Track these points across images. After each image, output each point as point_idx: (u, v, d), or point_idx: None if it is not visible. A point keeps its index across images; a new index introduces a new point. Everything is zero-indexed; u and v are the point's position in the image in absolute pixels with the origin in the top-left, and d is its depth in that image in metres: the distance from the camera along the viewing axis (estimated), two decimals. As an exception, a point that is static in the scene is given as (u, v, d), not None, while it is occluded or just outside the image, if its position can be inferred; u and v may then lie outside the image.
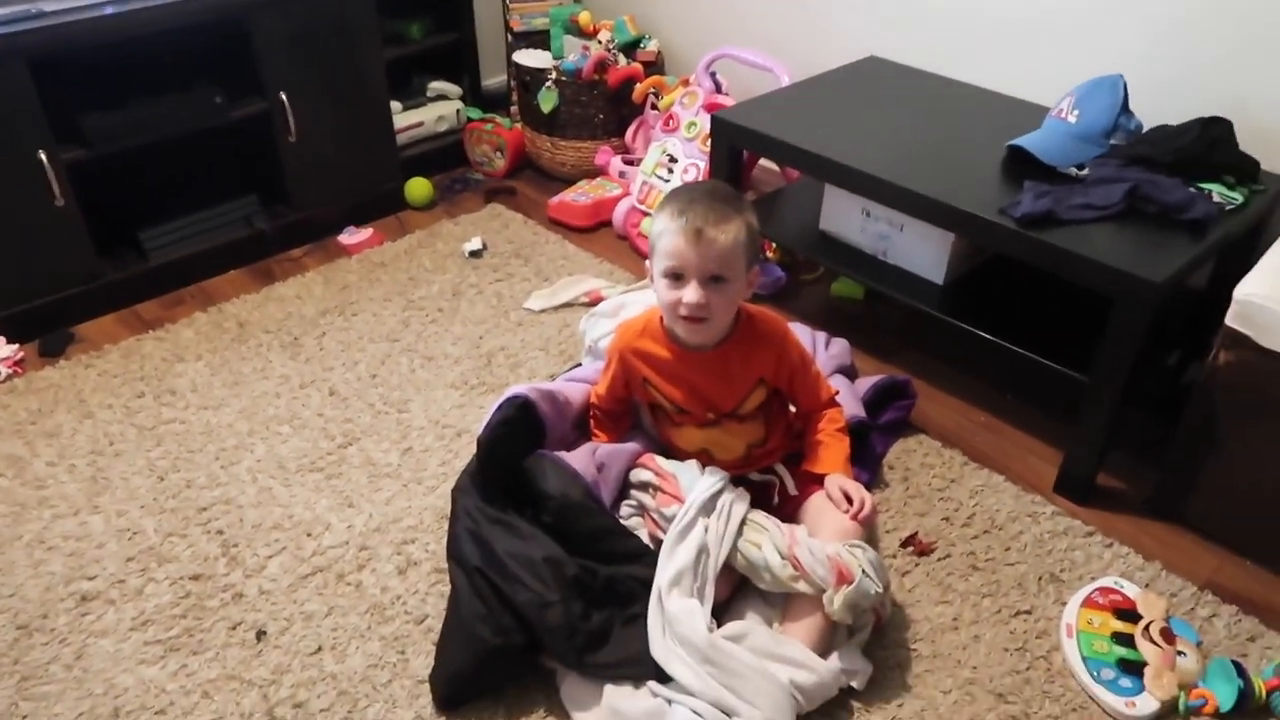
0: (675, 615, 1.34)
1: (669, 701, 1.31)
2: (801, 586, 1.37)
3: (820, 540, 1.40)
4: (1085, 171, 1.82)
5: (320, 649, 1.46)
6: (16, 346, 2.10)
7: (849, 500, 1.47)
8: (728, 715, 1.28)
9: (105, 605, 1.53)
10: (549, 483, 1.48)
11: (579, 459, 1.54)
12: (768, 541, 1.41)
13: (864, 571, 1.35)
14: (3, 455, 1.82)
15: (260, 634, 1.48)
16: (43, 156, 2.05)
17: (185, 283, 2.37)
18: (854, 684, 1.37)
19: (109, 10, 2.08)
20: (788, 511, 1.54)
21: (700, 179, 2.42)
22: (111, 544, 1.64)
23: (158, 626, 1.49)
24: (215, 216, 2.42)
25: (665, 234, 1.38)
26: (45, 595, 1.55)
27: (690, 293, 1.37)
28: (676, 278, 1.39)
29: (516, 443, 1.55)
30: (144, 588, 1.56)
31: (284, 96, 2.36)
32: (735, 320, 1.48)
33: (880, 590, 1.37)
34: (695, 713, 1.28)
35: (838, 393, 1.60)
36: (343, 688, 1.40)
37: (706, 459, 1.57)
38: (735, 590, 1.47)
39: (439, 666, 1.40)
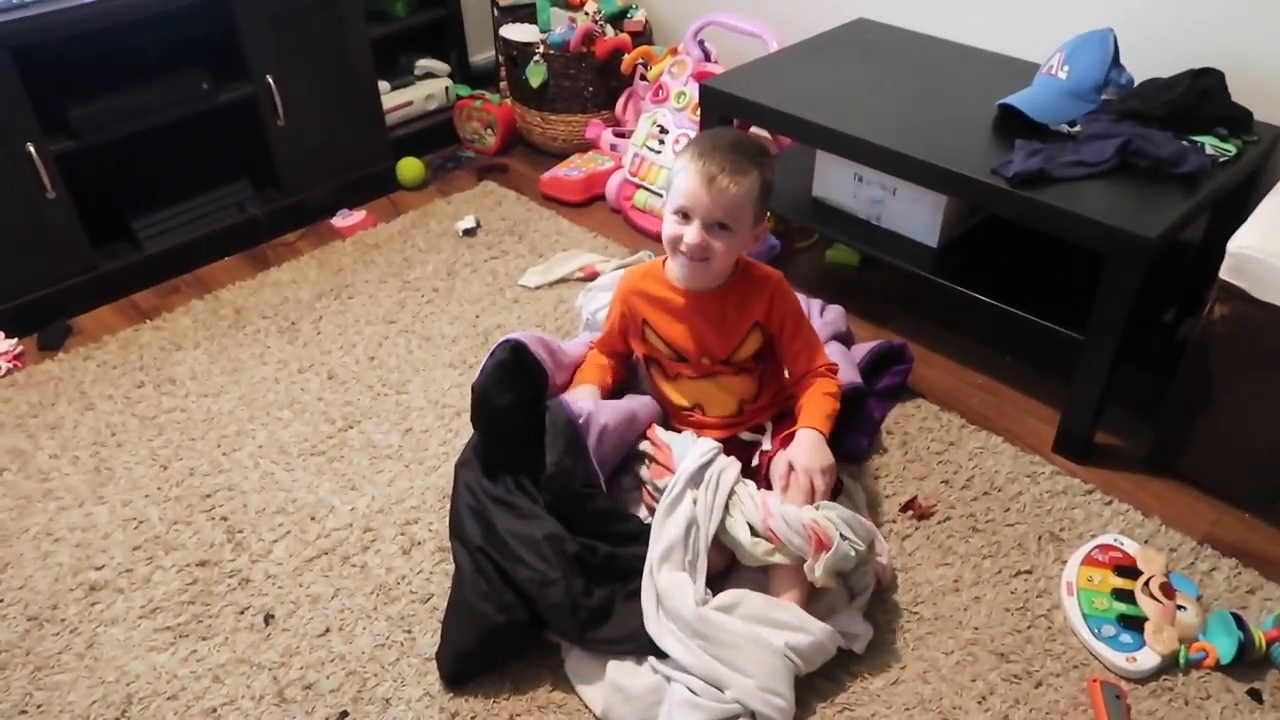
0: (666, 590, 1.35)
1: (667, 679, 1.32)
2: (779, 559, 1.38)
3: (794, 506, 1.39)
4: (1077, 128, 1.81)
5: (328, 630, 1.47)
6: (15, 341, 2.10)
7: (807, 485, 1.43)
8: (721, 688, 1.29)
9: (114, 594, 1.55)
10: (551, 452, 1.44)
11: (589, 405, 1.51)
12: (740, 517, 1.41)
13: (841, 534, 1.36)
14: (6, 449, 1.84)
15: (268, 618, 1.50)
16: (31, 149, 2.04)
17: (180, 271, 2.37)
18: (854, 648, 1.38)
19: (90, -2, 2.07)
20: (765, 469, 1.53)
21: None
22: (117, 534, 1.65)
23: (166, 613, 1.51)
24: (207, 203, 2.42)
25: (682, 173, 1.43)
26: (54, 586, 1.56)
27: (691, 232, 1.42)
28: (685, 216, 1.43)
29: (513, 388, 1.52)
30: (151, 576, 1.57)
31: (270, 79, 2.35)
32: (734, 269, 1.53)
33: (862, 549, 1.37)
34: (690, 689, 1.29)
35: (836, 367, 1.59)
36: (351, 668, 1.42)
37: (699, 415, 1.60)
38: (731, 560, 1.48)
39: (444, 644, 1.42)
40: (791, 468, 1.44)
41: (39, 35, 1.99)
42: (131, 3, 2.10)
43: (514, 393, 1.52)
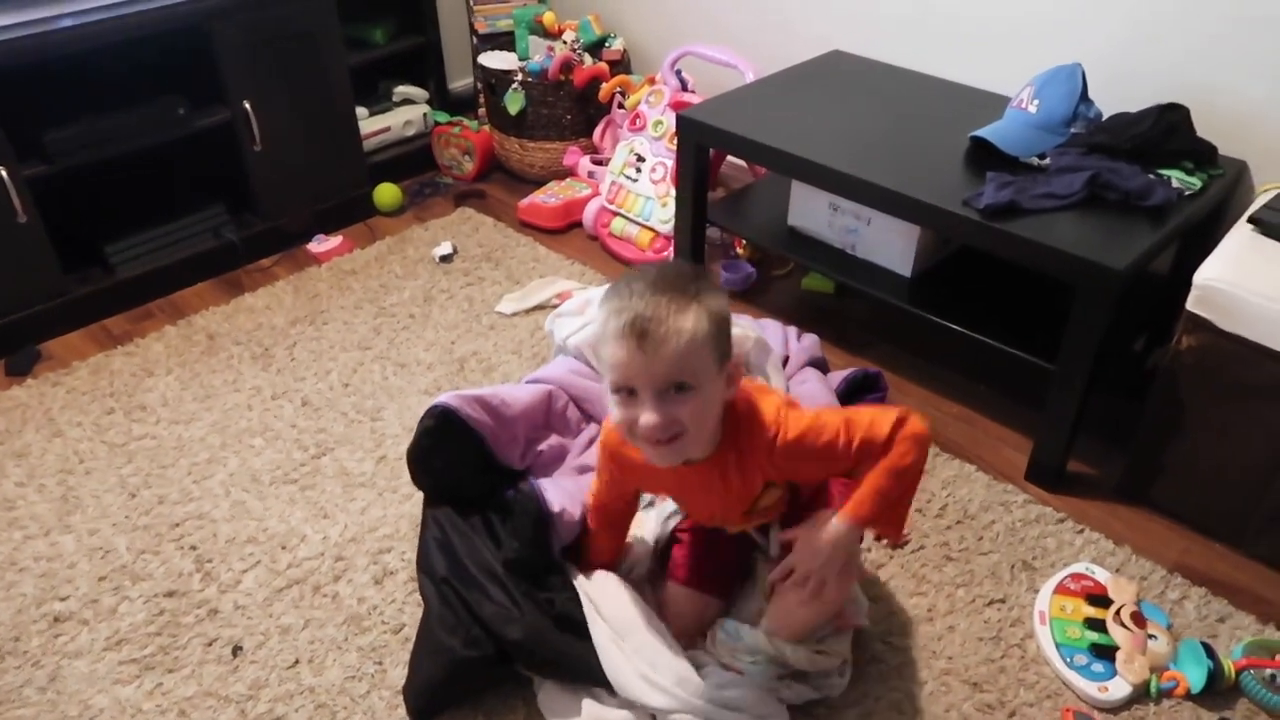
0: (655, 665, 1.32)
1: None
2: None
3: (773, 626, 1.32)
4: (1046, 161, 1.84)
5: (298, 662, 1.45)
6: (-18, 366, 2.07)
7: (808, 578, 1.26)
8: None
9: (79, 626, 1.52)
10: (515, 538, 1.43)
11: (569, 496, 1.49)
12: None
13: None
14: (-30, 477, 1.81)
15: (236, 649, 1.48)
16: (3, 173, 2.02)
17: (153, 296, 2.35)
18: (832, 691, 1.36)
19: (65, 23, 2.06)
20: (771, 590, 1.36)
21: (667, 180, 2.42)
22: (83, 563, 1.62)
23: (132, 645, 1.48)
24: (182, 228, 2.40)
25: (605, 341, 1.11)
26: (17, 618, 1.53)
27: (646, 414, 1.09)
28: (629, 393, 1.11)
29: (450, 452, 1.51)
30: (117, 606, 1.55)
31: (247, 105, 2.34)
32: (726, 420, 1.20)
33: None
34: None
35: (904, 419, 1.21)
36: (321, 700, 1.40)
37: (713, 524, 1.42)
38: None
39: (411, 678, 1.40)
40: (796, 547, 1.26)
41: (13, 59, 1.98)
42: (106, 28, 2.09)
43: (448, 455, 1.51)
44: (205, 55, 2.28)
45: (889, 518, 1.25)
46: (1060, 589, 1.52)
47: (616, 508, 1.44)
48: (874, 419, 1.20)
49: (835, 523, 1.22)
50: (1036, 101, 1.90)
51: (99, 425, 1.93)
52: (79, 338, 2.22)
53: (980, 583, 1.57)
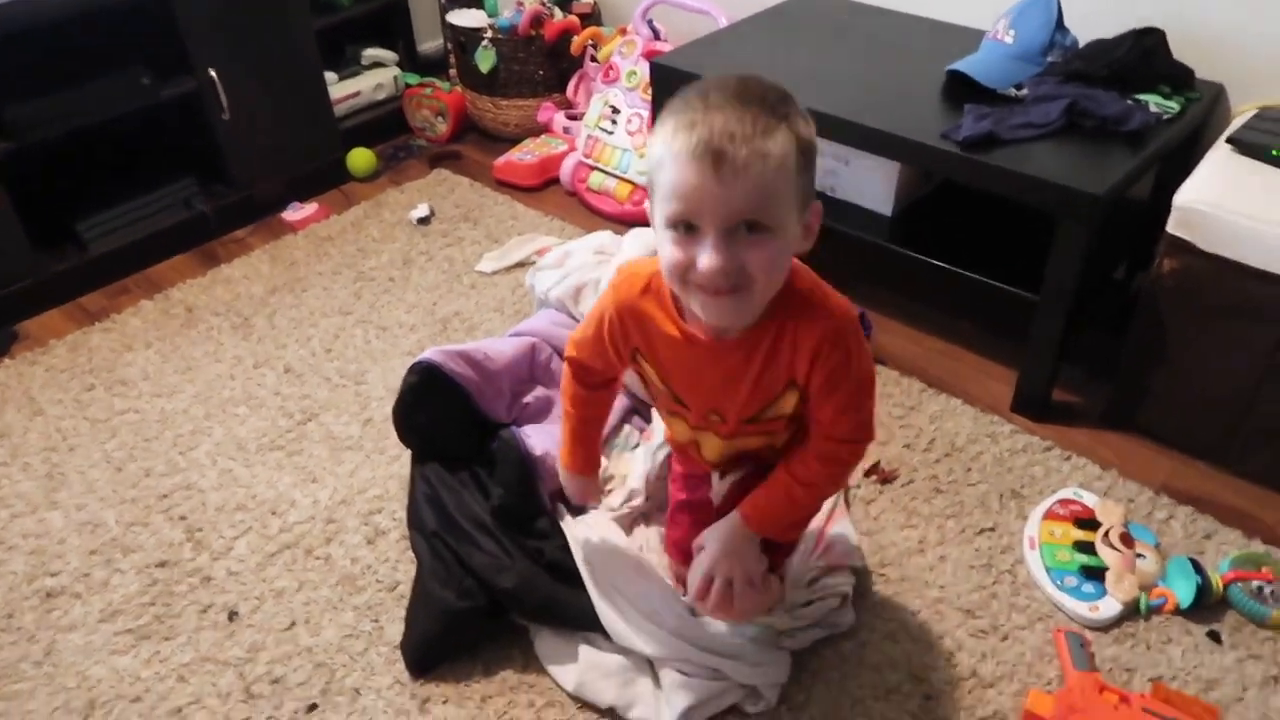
0: (635, 597, 1.33)
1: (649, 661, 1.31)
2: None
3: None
4: (1024, 91, 1.83)
5: (294, 624, 1.45)
6: (-42, 349, 2.05)
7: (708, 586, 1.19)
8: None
9: (71, 600, 1.51)
10: (499, 484, 1.44)
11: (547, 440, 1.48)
12: None
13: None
14: (-47, 459, 1.79)
15: (232, 614, 1.47)
16: (-36, 152, 1.99)
17: (128, 271, 2.32)
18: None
19: (20, -6, 2.01)
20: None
21: (643, 131, 2.40)
22: (73, 538, 1.61)
23: (127, 616, 1.48)
24: (153, 201, 2.36)
25: (668, 162, 0.90)
26: (9, 595, 1.52)
27: (708, 254, 0.90)
28: (688, 228, 0.91)
29: (435, 408, 1.51)
30: (109, 579, 1.54)
31: (214, 73, 2.30)
32: (783, 287, 1.00)
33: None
34: (680, 671, 1.27)
35: (862, 444, 1.13)
36: (319, 660, 1.40)
37: (694, 450, 1.25)
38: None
39: (407, 633, 1.40)
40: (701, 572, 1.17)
41: (-32, 34, 1.94)
42: (63, 1, 2.04)
43: (433, 411, 1.51)
44: (168, 23, 2.23)
45: (780, 527, 1.17)
46: (1049, 515, 1.53)
47: (594, 374, 1.22)
48: (861, 419, 1.10)
49: (729, 522, 1.15)
50: (1012, 32, 1.89)
51: (80, 402, 1.91)
52: (55, 316, 2.20)
53: (970, 513, 1.58)
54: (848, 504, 1.58)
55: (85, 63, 2.19)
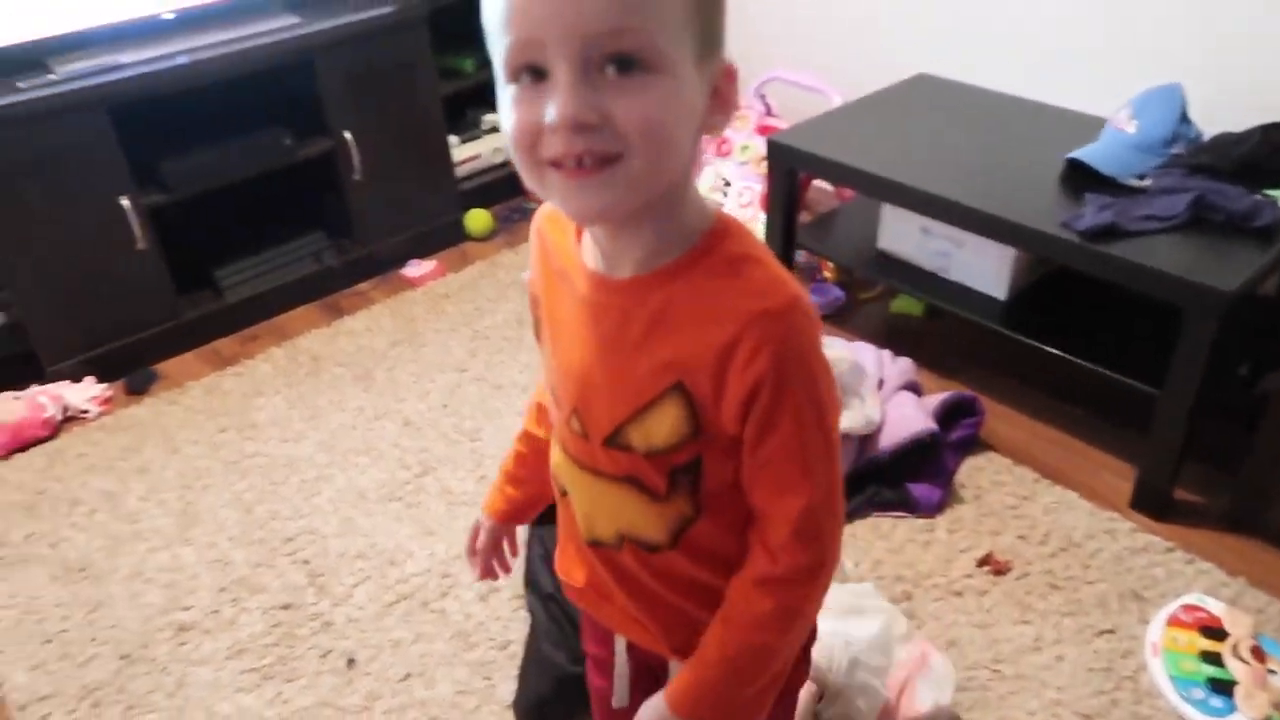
0: None
1: None
2: None
3: None
4: (1147, 182, 1.82)
5: (409, 675, 1.50)
6: (105, 385, 2.18)
7: None
8: None
9: (201, 635, 1.59)
10: None
11: None
12: None
13: None
14: (98, 491, 1.90)
15: (351, 661, 1.53)
16: (125, 202, 2.14)
17: (259, 319, 2.45)
18: None
19: (182, 60, 2.18)
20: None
21: (755, 205, 2.45)
22: (204, 575, 1.70)
23: (252, 655, 1.55)
24: (286, 253, 2.50)
25: None
26: (144, 626, 1.61)
27: (556, 99, 0.60)
28: (534, 75, 0.62)
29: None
30: (237, 617, 1.61)
31: (348, 135, 2.44)
32: (701, 234, 0.71)
33: None
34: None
35: (823, 554, 0.74)
36: (433, 713, 1.44)
37: (565, 507, 0.85)
38: None
39: (520, 693, 1.43)
40: None
41: (135, 94, 2.10)
42: (219, 64, 2.21)
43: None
44: (308, 88, 2.39)
45: (731, 708, 0.77)
46: (1173, 620, 1.49)
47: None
48: (814, 502, 0.71)
49: (653, 702, 0.80)
50: (1135, 122, 1.88)
51: (214, 443, 2.02)
52: (192, 359, 2.33)
53: (1088, 612, 1.54)
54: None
55: (233, 122, 2.36)
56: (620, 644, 0.91)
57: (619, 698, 0.91)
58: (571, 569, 0.90)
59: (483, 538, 1.02)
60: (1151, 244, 1.66)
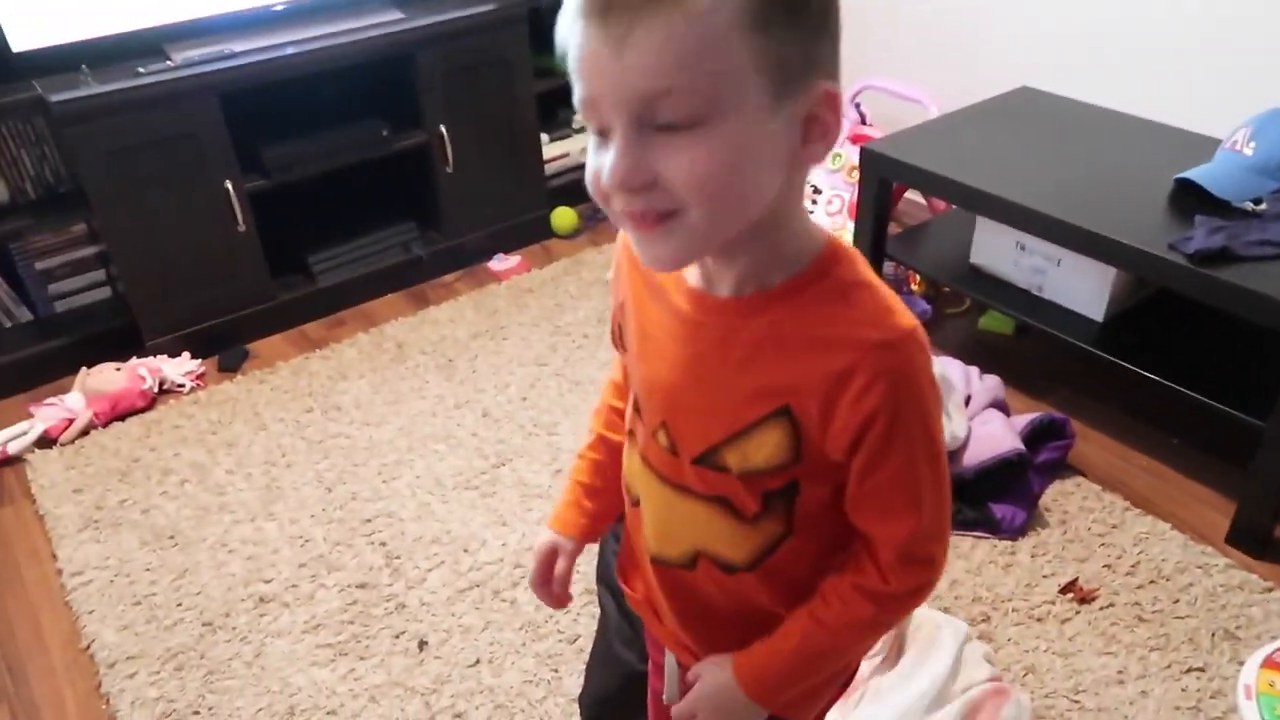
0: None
1: None
2: None
3: None
4: (1263, 206, 1.74)
5: (478, 661, 1.51)
6: (199, 361, 2.26)
7: None
8: None
9: (280, 608, 1.63)
10: None
11: None
12: None
13: None
14: (188, 462, 1.97)
15: (422, 644, 1.55)
16: (229, 185, 2.22)
17: (348, 304, 2.51)
18: None
19: (290, 50, 2.25)
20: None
21: (844, 213, 2.42)
22: (285, 550, 1.74)
23: (328, 631, 1.58)
24: (377, 242, 2.56)
25: (568, 35, 0.61)
26: (227, 595, 1.66)
27: (612, 156, 0.61)
28: (601, 132, 0.62)
29: None
30: (315, 593, 1.65)
31: (443, 129, 2.48)
32: (803, 263, 0.69)
33: None
34: None
35: (929, 574, 0.74)
36: (500, 701, 1.45)
37: (634, 518, 0.85)
38: None
39: (586, 688, 1.43)
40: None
41: (244, 82, 2.18)
42: (325, 54, 2.27)
43: None
44: (408, 82, 2.44)
45: (788, 694, 0.78)
46: (1269, 663, 1.41)
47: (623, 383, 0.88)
48: (922, 532, 0.71)
49: (718, 671, 0.80)
50: (1253, 144, 1.80)
51: (299, 422, 2.07)
52: (281, 340, 2.40)
53: (1177, 648, 1.48)
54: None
55: (333, 112, 2.42)
56: (670, 661, 0.91)
57: (669, 694, 0.91)
58: (632, 579, 0.91)
59: (562, 563, 0.92)
60: (1265, 270, 1.58)
